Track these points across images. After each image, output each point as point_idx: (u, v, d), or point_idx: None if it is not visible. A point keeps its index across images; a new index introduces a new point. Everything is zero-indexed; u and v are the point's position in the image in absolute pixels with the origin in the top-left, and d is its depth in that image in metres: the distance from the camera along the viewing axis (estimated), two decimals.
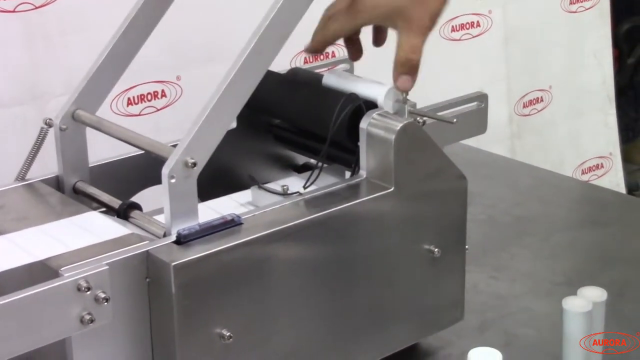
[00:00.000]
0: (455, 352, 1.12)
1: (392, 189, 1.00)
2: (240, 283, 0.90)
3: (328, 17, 1.08)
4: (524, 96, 2.46)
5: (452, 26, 2.28)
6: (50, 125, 1.04)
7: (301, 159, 1.22)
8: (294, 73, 1.18)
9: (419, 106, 1.06)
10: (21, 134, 1.56)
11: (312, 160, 1.17)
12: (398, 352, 1.07)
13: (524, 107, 2.47)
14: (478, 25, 2.32)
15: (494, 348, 0.93)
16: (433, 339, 1.13)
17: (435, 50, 2.23)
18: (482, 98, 1.12)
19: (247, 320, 0.92)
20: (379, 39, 1.12)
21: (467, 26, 2.31)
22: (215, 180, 1.10)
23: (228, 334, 0.90)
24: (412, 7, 1.01)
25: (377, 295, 1.02)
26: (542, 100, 2.50)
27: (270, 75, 1.16)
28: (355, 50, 1.14)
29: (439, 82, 2.24)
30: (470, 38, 2.32)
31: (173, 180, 0.89)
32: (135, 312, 0.88)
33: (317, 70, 1.20)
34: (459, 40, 2.31)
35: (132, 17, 1.05)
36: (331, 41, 1.10)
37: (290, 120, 1.14)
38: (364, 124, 1.01)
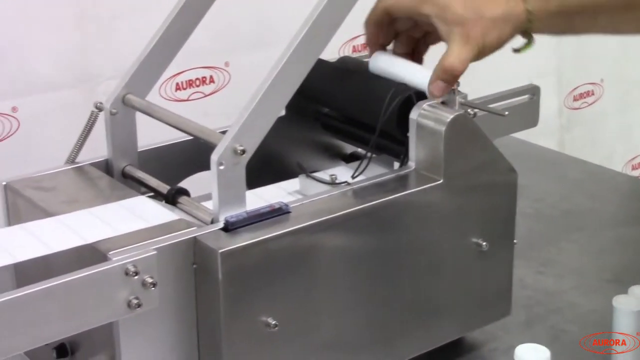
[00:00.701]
0: (501, 347, 1.11)
1: (441, 181, 0.99)
2: (286, 271, 0.90)
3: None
4: (574, 89, 2.43)
5: None
6: (100, 109, 1.04)
7: (349, 148, 1.21)
8: (343, 62, 1.17)
9: (469, 98, 1.05)
10: (71, 116, 1.56)
11: (360, 150, 1.16)
12: (442, 346, 1.06)
13: (574, 100, 2.44)
14: None
15: (540, 344, 0.92)
16: (478, 333, 1.12)
17: None
18: (534, 90, 1.11)
19: (292, 308, 0.92)
20: (417, 53, 1.10)
21: None
22: (263, 167, 1.10)
23: (274, 322, 0.90)
24: (474, 24, 0.99)
25: (423, 288, 1.01)
26: (593, 94, 2.47)
27: (319, 64, 1.15)
28: (385, 35, 1.10)
29: (490, 73, 2.22)
30: None
31: (222, 167, 0.89)
32: (181, 297, 0.89)
33: (366, 59, 1.19)
34: None
35: (185, 2, 1.05)
36: (380, 15, 1.07)
37: (339, 109, 1.14)
38: (414, 115, 1.00)
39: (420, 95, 1.02)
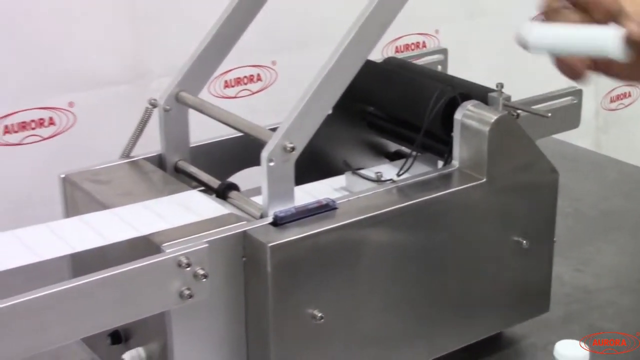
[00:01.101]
0: (539, 343, 1.10)
1: (484, 180, 0.98)
2: (332, 265, 0.90)
3: None
4: (611, 91, 2.40)
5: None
6: (154, 106, 1.05)
7: (393, 146, 1.20)
8: (389, 62, 1.17)
9: (513, 99, 1.05)
10: (124, 111, 1.56)
11: (404, 148, 1.16)
12: (482, 340, 1.05)
13: (611, 101, 2.41)
14: None
15: (578, 341, 0.92)
16: (517, 327, 1.11)
17: None
18: (576, 93, 1.10)
19: (338, 302, 0.91)
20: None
21: None
22: (310, 164, 1.09)
23: (320, 314, 0.89)
24: None
25: (464, 284, 1.01)
26: (629, 95, 2.43)
27: (365, 64, 1.15)
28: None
29: (530, 76, 2.20)
30: None
31: (272, 164, 0.89)
32: (231, 289, 0.89)
33: (410, 60, 1.19)
34: None
35: (236, 3, 1.05)
36: None
37: (384, 108, 1.13)
38: (458, 115, 0.99)
39: (465, 97, 1.01)
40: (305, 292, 0.89)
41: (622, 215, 1.44)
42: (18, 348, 0.77)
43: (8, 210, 1.52)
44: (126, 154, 1.05)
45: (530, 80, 2.21)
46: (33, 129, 1.61)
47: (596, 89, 2.37)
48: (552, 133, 1.13)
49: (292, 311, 0.89)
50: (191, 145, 1.07)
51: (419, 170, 1.04)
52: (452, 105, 1.01)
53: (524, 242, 1.03)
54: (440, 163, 1.06)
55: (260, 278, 0.87)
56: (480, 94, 1.04)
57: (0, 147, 1.59)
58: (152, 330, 0.89)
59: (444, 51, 1.23)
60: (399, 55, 1.24)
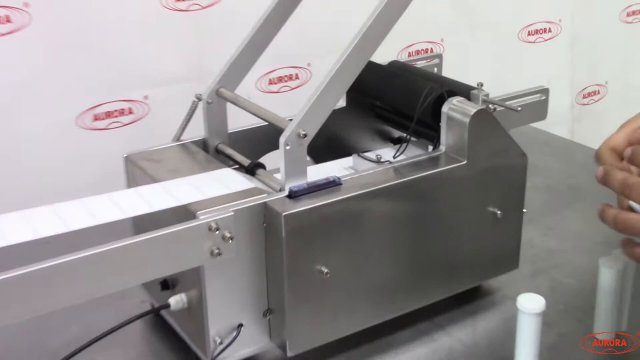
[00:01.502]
0: (509, 293, 1.05)
1: (465, 162, 0.93)
2: (337, 231, 0.86)
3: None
4: (584, 89, 2.33)
5: (529, 31, 2.16)
6: (199, 99, 1.01)
7: (397, 133, 1.15)
8: (393, 65, 1.12)
9: (492, 95, 0.99)
10: (189, 103, 1.55)
11: (404, 135, 1.11)
12: (465, 291, 1.01)
13: (583, 97, 2.33)
14: (550, 30, 2.19)
15: (540, 294, 0.86)
16: (493, 281, 1.06)
17: (514, 50, 2.14)
18: (544, 91, 1.04)
19: (342, 260, 0.87)
20: None
21: (541, 31, 2.18)
22: (328, 147, 1.06)
23: (326, 270, 0.86)
24: None
25: (449, 246, 0.96)
26: (598, 93, 2.35)
27: (374, 66, 1.10)
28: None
29: (516, 75, 2.14)
30: (543, 41, 2.20)
31: (288, 147, 0.85)
32: (254, 249, 0.85)
33: (411, 63, 1.13)
34: (534, 42, 2.19)
35: (267, 15, 1.01)
36: (606, 156, 0.83)
37: (388, 102, 1.08)
38: (445, 108, 0.94)
39: (451, 93, 0.96)
40: (313, 252, 0.85)
41: (586, 189, 1.38)
42: (94, 288, 0.76)
43: (97, 183, 1.50)
44: (176, 138, 1.02)
45: (517, 79, 2.16)
46: (116, 117, 1.59)
47: (571, 87, 2.30)
48: (524, 124, 1.07)
49: (302, 267, 0.85)
50: (229, 131, 1.03)
51: (414, 153, 0.99)
52: (440, 100, 0.95)
53: (498, 212, 0.98)
54: (431, 148, 1.01)
55: (276, 241, 0.83)
56: (464, 91, 0.99)
57: (91, 131, 1.57)
58: (191, 281, 0.86)
59: (439, 56, 1.17)
60: (403, 59, 1.18)
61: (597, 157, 0.83)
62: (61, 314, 0.86)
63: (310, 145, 1.09)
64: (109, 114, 1.58)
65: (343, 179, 0.89)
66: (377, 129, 1.15)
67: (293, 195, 0.85)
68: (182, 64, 1.63)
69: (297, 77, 1.79)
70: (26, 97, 1.48)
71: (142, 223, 0.92)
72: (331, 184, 0.87)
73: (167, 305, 0.89)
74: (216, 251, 0.81)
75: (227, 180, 0.89)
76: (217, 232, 0.80)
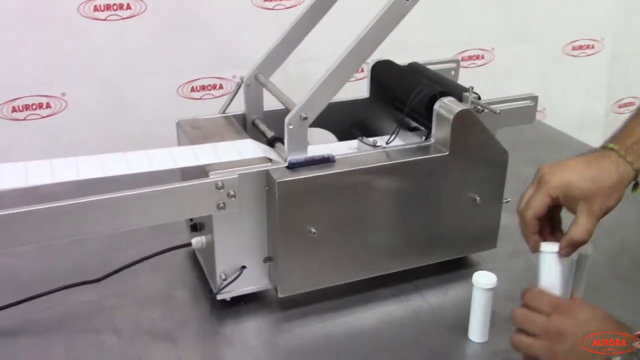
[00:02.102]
0: (486, 268, 0.97)
1: (447, 153, 0.88)
2: (326, 199, 0.84)
3: (522, 209, 0.78)
4: (620, 100, 2.16)
5: (573, 46, 2.02)
6: (242, 81, 1.00)
7: (413, 123, 1.10)
8: (411, 66, 1.06)
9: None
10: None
11: (418, 125, 1.05)
12: (452, 262, 0.96)
13: (619, 107, 2.16)
14: (593, 47, 2.04)
15: (513, 272, 0.80)
16: (475, 257, 1.01)
17: (558, 61, 2.01)
18: (533, 98, 0.96)
19: (330, 224, 0.85)
20: (554, 227, 0.79)
21: (584, 47, 2.03)
22: (357, 128, 1.02)
23: (314, 230, 0.84)
24: (597, 196, 0.73)
25: (430, 221, 0.92)
26: (633, 104, 2.17)
27: (393, 65, 1.06)
28: (554, 225, 0.80)
29: (558, 83, 2.01)
30: (585, 56, 2.05)
31: (291, 127, 0.83)
32: (257, 206, 0.85)
33: (428, 66, 1.08)
34: (577, 56, 2.04)
35: (301, 14, 0.98)
36: (533, 227, 0.77)
37: (398, 96, 1.04)
38: (436, 106, 0.89)
39: (444, 93, 0.90)
40: (303, 214, 0.83)
41: None
42: (131, 221, 0.78)
43: None
44: (222, 110, 1.01)
45: (558, 87, 2.03)
46: (209, 90, 1.61)
47: (608, 97, 2.14)
48: (513, 125, 0.98)
49: (293, 226, 0.83)
50: (265, 110, 1.02)
51: (410, 140, 0.94)
52: (434, 99, 0.90)
53: (478, 198, 0.92)
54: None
55: (272, 202, 0.82)
56: (458, 93, 0.92)
57: (188, 100, 1.60)
58: (208, 227, 0.86)
59: (456, 61, 1.11)
60: (421, 62, 1.11)
61: (523, 225, 0.78)
62: (126, 237, 0.91)
63: (339, 127, 1.07)
64: (203, 88, 1.61)
65: (338, 157, 0.86)
66: (397, 118, 1.10)
67: (291, 167, 0.84)
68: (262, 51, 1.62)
69: None
70: (139, 68, 1.53)
71: (190, 172, 0.92)
72: (325, 161, 0.85)
73: (189, 244, 0.90)
74: (221, 205, 0.80)
75: (245, 149, 0.88)
76: (222, 190, 0.80)
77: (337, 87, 0.83)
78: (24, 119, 1.48)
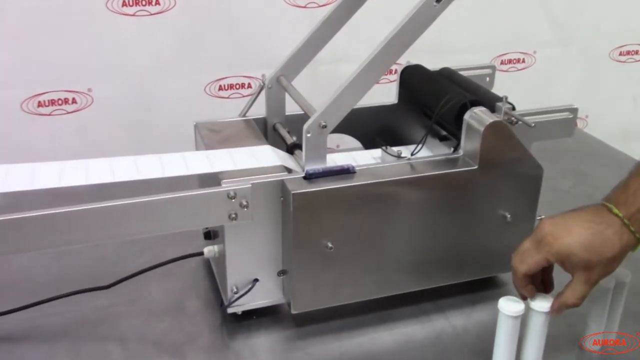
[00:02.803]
0: (514, 290, 0.93)
1: (476, 167, 0.83)
2: (342, 212, 0.79)
3: (516, 262, 0.76)
4: None
5: (620, 51, 1.92)
6: (264, 84, 0.96)
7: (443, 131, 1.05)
8: (442, 71, 1.01)
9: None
10: (303, 84, 1.51)
11: (444, 134, 1.00)
12: (479, 281, 0.91)
13: None
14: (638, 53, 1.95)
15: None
16: (504, 276, 0.95)
17: (603, 67, 1.91)
18: (572, 110, 0.89)
19: (347, 238, 0.81)
20: (546, 285, 0.79)
21: (632, 53, 1.94)
22: (381, 137, 0.98)
23: (331, 245, 0.79)
24: (597, 267, 0.71)
25: (455, 239, 0.86)
26: None
27: (422, 70, 1.01)
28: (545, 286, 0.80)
29: (602, 89, 1.93)
30: (634, 62, 1.95)
31: (309, 135, 0.79)
32: (272, 217, 0.81)
33: (461, 72, 1.02)
34: (624, 62, 1.95)
35: (326, 17, 0.94)
36: (524, 282, 0.76)
37: (427, 103, 0.98)
38: (466, 116, 0.84)
39: (475, 102, 0.85)
40: (320, 228, 0.79)
41: None
42: (136, 229, 0.75)
43: None
44: (243, 114, 0.97)
45: (603, 93, 1.94)
46: (237, 89, 1.58)
47: None
48: (550, 139, 0.91)
49: (309, 240, 0.79)
50: (287, 114, 0.98)
51: (438, 151, 0.89)
52: (464, 108, 0.85)
53: (508, 215, 0.87)
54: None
55: (287, 214, 0.78)
56: (490, 102, 0.87)
57: (216, 99, 1.57)
58: (221, 236, 0.83)
59: (492, 67, 1.05)
60: (454, 67, 1.06)
61: (514, 277, 0.77)
62: (139, 242, 0.89)
63: (364, 134, 1.03)
64: (231, 86, 1.57)
65: (359, 168, 0.81)
66: (426, 126, 1.05)
67: (308, 177, 0.79)
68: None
69: None
70: (166, 65, 1.50)
71: (207, 179, 0.89)
72: (345, 172, 0.80)
73: (201, 253, 0.87)
74: (233, 215, 0.77)
75: (262, 156, 0.84)
76: (234, 200, 0.76)
77: (360, 94, 0.79)
78: (50, 114, 1.46)
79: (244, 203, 0.76)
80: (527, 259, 0.74)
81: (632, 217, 0.70)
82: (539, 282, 0.78)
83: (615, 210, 0.72)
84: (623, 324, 0.83)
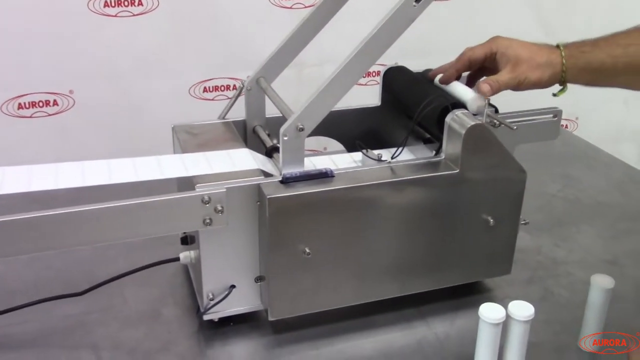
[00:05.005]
0: (499, 295, 0.92)
1: (457, 171, 0.81)
2: (322, 217, 0.78)
3: (465, 49, 0.90)
4: None
5: None
6: (243, 86, 0.94)
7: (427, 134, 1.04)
8: (423, 74, 0.99)
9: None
10: (287, 86, 1.50)
11: (427, 136, 0.99)
12: (462, 286, 0.89)
13: None
14: None
15: (529, 301, 0.74)
16: (489, 282, 0.94)
17: None
18: (557, 113, 0.88)
19: (325, 244, 0.79)
20: (475, 77, 0.92)
21: None
22: (364, 139, 0.96)
23: (309, 250, 0.78)
24: (525, 64, 0.84)
25: (436, 244, 0.85)
26: None
27: (405, 72, 0.99)
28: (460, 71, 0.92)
29: (598, 93, 1.91)
30: None
31: (286, 138, 0.77)
32: (248, 222, 0.79)
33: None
34: None
35: (306, 18, 0.92)
36: (462, 64, 0.89)
37: (409, 105, 0.97)
38: (448, 119, 0.82)
39: (456, 105, 0.84)
40: (297, 233, 0.77)
41: (612, 207, 1.19)
42: (107, 235, 0.73)
43: None
44: (222, 116, 0.96)
45: (590, 96, 1.92)
46: (222, 91, 1.56)
47: None
48: (535, 141, 0.90)
49: (286, 245, 0.77)
50: (267, 116, 0.96)
51: (420, 154, 0.88)
52: (445, 111, 0.83)
53: (491, 220, 0.85)
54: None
55: (264, 219, 0.77)
56: None
57: (200, 100, 1.55)
58: (197, 242, 0.81)
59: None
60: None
61: (455, 60, 0.91)
62: (115, 246, 0.88)
63: (347, 136, 1.01)
64: (216, 88, 1.56)
65: (338, 172, 0.80)
66: (409, 129, 1.04)
67: (285, 181, 0.78)
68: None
69: None
70: (149, 67, 1.48)
71: (187, 182, 0.87)
72: (323, 175, 0.79)
73: (177, 259, 0.85)
74: (208, 220, 0.75)
75: (239, 160, 0.82)
76: (208, 205, 0.74)
77: (339, 96, 0.77)
78: (30, 117, 1.45)
79: (219, 208, 0.75)
80: (475, 47, 0.87)
81: (569, 46, 0.85)
82: (474, 82, 0.90)
83: (561, 47, 0.84)
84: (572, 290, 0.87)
